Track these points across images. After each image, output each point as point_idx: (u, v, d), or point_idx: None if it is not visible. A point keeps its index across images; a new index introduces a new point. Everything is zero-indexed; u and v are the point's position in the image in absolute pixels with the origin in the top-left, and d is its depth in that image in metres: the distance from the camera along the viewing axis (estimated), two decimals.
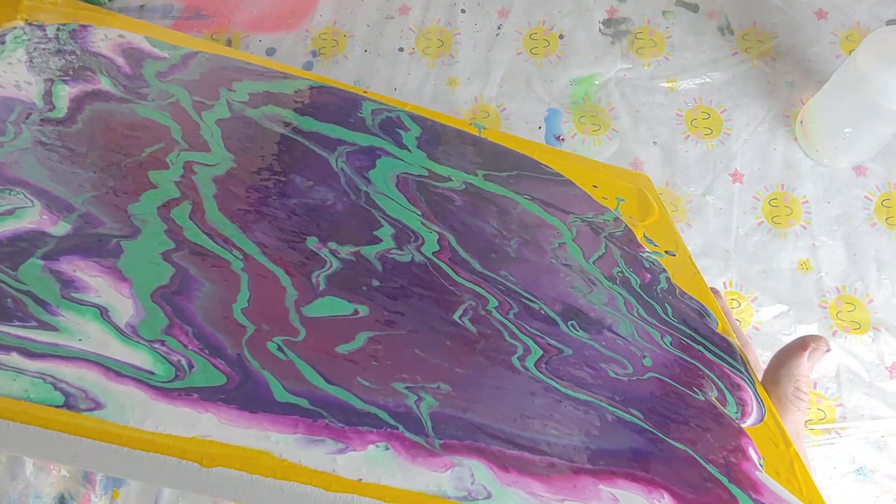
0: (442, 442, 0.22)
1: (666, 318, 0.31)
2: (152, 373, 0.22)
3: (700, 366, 0.29)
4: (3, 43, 0.31)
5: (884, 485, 0.41)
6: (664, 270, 0.33)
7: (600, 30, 0.52)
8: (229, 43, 0.51)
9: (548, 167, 0.36)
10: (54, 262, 0.24)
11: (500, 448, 0.23)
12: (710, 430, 0.26)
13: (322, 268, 0.27)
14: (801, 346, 0.29)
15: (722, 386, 0.28)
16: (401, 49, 0.51)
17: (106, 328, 0.23)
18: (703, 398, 0.27)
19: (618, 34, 0.52)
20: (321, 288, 0.26)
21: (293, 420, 0.22)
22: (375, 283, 0.27)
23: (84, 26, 0.33)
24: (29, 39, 0.32)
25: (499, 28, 0.52)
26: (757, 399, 0.27)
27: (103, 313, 0.23)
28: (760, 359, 0.43)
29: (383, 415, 0.23)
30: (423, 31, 0.52)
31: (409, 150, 0.34)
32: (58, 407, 0.21)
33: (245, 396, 0.22)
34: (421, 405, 0.23)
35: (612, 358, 0.27)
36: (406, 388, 0.24)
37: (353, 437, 0.22)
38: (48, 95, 0.30)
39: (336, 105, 0.34)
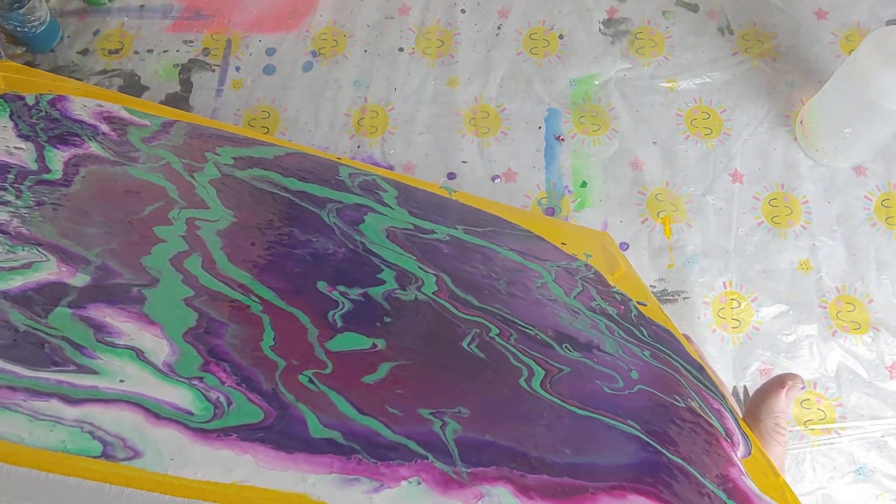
0: (469, 471, 0.23)
1: (643, 337, 0.32)
2: (191, 413, 0.22)
3: (677, 376, 0.30)
4: None
5: (884, 485, 0.41)
6: (631, 300, 0.35)
7: (600, 30, 0.52)
8: (229, 43, 0.51)
9: (518, 225, 0.38)
10: (82, 309, 0.25)
11: (522, 472, 0.23)
12: (696, 440, 0.26)
13: (336, 308, 0.28)
14: (778, 384, 0.31)
15: (702, 405, 0.28)
16: (401, 49, 0.51)
17: (145, 368, 0.23)
18: (684, 405, 0.27)
19: (618, 34, 0.52)
20: (339, 325, 0.27)
21: (328, 459, 0.22)
22: (387, 319, 0.28)
23: (61, 97, 0.35)
24: (11, 108, 0.33)
25: (499, 28, 0.52)
26: (741, 432, 0.28)
27: (139, 354, 0.24)
28: (760, 358, 0.44)
29: (412, 445, 0.23)
30: (423, 31, 0.52)
31: (392, 208, 0.35)
32: (95, 457, 0.21)
33: (282, 434, 0.22)
34: (446, 430, 0.24)
35: (605, 373, 0.28)
36: (431, 413, 0.24)
37: (386, 473, 0.22)
38: (41, 159, 0.31)
39: (316, 169, 0.36)
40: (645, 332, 0.32)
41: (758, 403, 0.31)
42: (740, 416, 0.30)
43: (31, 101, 0.34)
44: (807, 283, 0.45)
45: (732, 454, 0.26)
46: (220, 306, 0.26)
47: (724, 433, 0.27)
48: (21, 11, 0.47)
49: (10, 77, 0.35)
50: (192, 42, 0.51)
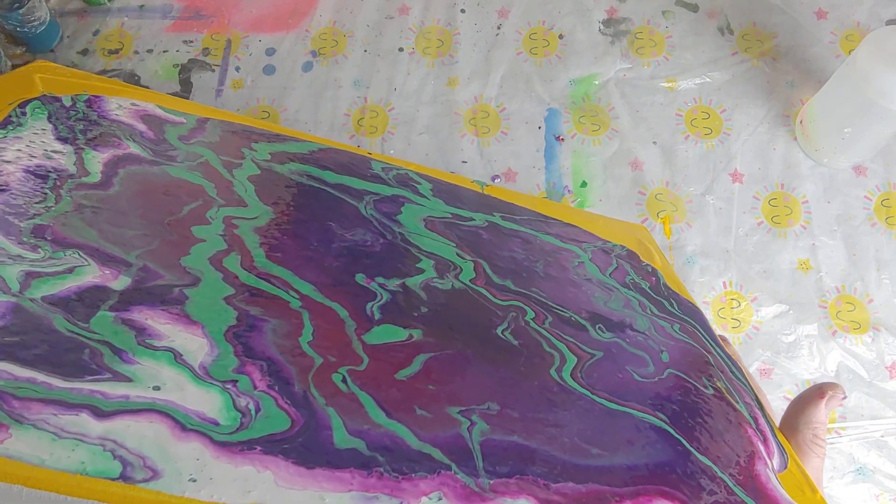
0: (491, 483, 0.22)
1: (673, 310, 0.32)
2: (217, 423, 0.22)
3: (705, 353, 0.29)
4: (24, 114, 0.32)
5: (884, 485, 0.41)
6: (660, 271, 0.36)
7: (600, 30, 0.52)
8: (229, 43, 0.51)
9: (552, 217, 0.38)
10: (124, 312, 0.25)
11: (546, 481, 0.23)
12: (725, 435, 0.26)
13: (374, 300, 0.28)
14: (818, 393, 0.29)
15: (728, 387, 0.28)
16: (401, 49, 0.51)
17: (181, 371, 0.23)
18: (712, 390, 0.27)
19: (618, 34, 0.52)
20: (377, 317, 0.27)
21: (349, 475, 0.22)
22: (424, 309, 0.28)
23: (97, 97, 0.34)
24: (48, 110, 0.33)
25: (499, 28, 0.52)
26: (777, 442, 0.28)
27: (177, 357, 0.24)
28: (760, 358, 0.44)
29: (437, 454, 0.23)
30: (423, 31, 0.52)
31: (428, 198, 0.35)
32: (113, 479, 0.21)
33: (305, 447, 0.22)
34: (473, 431, 0.24)
35: (636, 356, 0.28)
36: (460, 412, 0.24)
37: (407, 489, 0.22)
38: (80, 162, 0.31)
39: (350, 163, 0.36)
40: (675, 305, 0.33)
41: (796, 413, 0.29)
42: (776, 425, 0.29)
43: (67, 102, 0.33)
44: (807, 283, 0.45)
45: (760, 445, 0.25)
46: (259, 303, 0.26)
47: (752, 423, 0.27)
48: (21, 11, 0.47)
49: (46, 78, 0.35)
50: (191, 42, 0.51)
